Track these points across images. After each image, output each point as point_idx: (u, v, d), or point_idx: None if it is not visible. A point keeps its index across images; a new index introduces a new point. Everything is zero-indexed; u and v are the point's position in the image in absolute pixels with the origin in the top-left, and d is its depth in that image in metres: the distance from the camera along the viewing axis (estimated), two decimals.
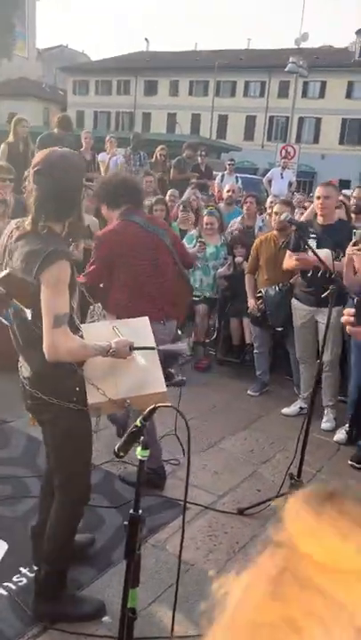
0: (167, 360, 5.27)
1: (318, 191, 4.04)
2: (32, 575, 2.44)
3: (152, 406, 1.44)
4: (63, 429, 2.14)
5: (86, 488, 2.29)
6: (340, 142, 32.88)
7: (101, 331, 2.26)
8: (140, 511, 1.44)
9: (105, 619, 2.31)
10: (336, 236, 3.83)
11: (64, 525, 2.27)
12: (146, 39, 57.85)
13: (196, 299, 5.34)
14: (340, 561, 0.26)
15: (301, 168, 18.79)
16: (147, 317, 2.36)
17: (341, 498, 0.31)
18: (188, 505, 3.16)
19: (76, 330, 2.10)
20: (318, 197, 3.97)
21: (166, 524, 2.97)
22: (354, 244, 3.24)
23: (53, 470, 2.27)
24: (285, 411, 4.49)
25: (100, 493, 3.19)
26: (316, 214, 4.16)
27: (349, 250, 3.40)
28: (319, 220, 4.02)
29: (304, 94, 31.50)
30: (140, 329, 2.32)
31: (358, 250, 3.28)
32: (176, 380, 4.98)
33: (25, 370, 2.14)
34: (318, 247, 3.64)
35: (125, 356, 2.06)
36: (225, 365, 5.44)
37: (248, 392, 4.84)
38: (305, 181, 25.56)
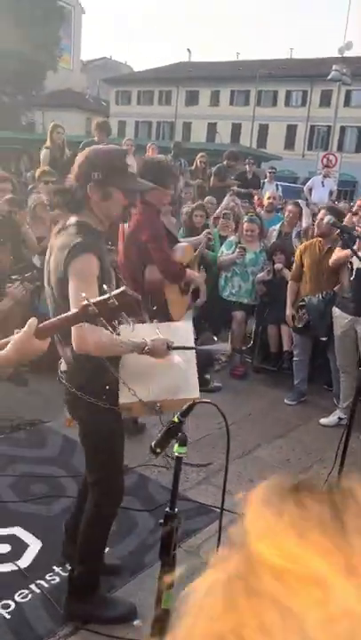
0: (203, 366, 5.26)
1: (359, 203, 3.98)
2: (65, 574, 2.44)
3: (191, 402, 1.42)
4: (92, 426, 2.15)
5: (119, 489, 2.28)
6: None
7: (145, 331, 2.25)
8: (176, 510, 1.42)
9: (136, 622, 2.29)
10: None
11: (96, 525, 2.26)
12: (188, 49, 58.44)
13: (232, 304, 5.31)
14: (293, 564, 0.25)
15: (343, 177, 18.52)
16: (190, 321, 2.34)
17: (306, 492, 0.29)
18: (217, 510, 3.13)
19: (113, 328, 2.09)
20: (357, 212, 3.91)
21: (200, 530, 2.93)
22: None
23: (87, 469, 2.27)
24: (323, 421, 4.39)
25: (134, 496, 3.18)
26: None
27: None
28: None
29: (347, 103, 31.12)
30: (181, 330, 2.31)
31: None
32: (212, 386, 4.97)
33: (62, 364, 2.16)
34: None
35: (163, 355, 2.02)
36: (261, 373, 5.37)
37: (285, 401, 4.76)
38: (346, 190, 25.25)
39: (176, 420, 1.38)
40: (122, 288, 1.55)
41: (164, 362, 2.08)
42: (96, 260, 1.95)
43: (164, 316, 3.37)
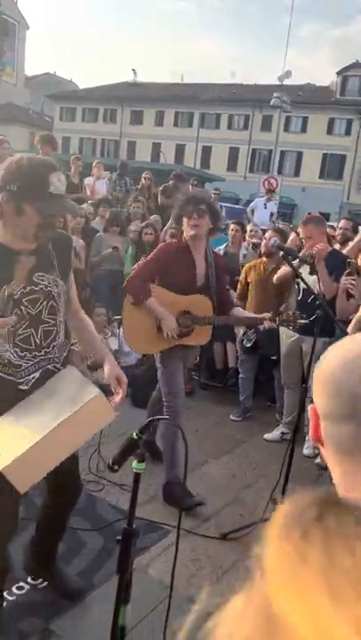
0: (152, 384, 5.26)
1: (301, 231, 4.13)
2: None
3: (150, 418, 1.44)
4: None
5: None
6: (320, 176, 33.72)
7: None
8: (134, 526, 1.44)
9: None
10: (330, 264, 3.88)
11: None
12: (133, 70, 59.10)
13: None
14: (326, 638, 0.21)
15: (283, 200, 19.18)
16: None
17: (332, 520, 0.25)
18: (170, 529, 3.14)
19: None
20: (303, 238, 4.06)
21: (148, 548, 2.93)
22: (348, 274, 3.32)
23: None
24: (268, 436, 4.50)
25: (81, 516, 3.14)
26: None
27: (344, 279, 3.48)
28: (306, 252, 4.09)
29: (286, 129, 32.35)
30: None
31: (353, 279, 3.37)
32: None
33: None
34: (311, 274, 3.72)
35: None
36: (208, 390, 5.45)
37: (231, 417, 4.85)
38: (285, 212, 26.12)
39: (135, 436, 1.40)
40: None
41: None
42: None
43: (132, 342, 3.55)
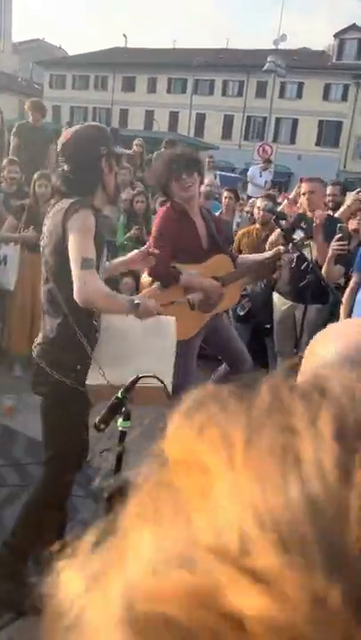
0: None
1: (304, 187, 4.04)
2: None
3: (134, 377, 1.42)
4: (55, 402, 2.11)
5: (69, 474, 2.22)
6: (317, 144, 33.28)
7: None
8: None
9: None
10: (325, 231, 3.83)
11: (41, 503, 2.21)
12: (124, 35, 57.76)
13: None
14: (188, 456, 0.25)
15: (278, 168, 18.93)
16: (174, 318, 2.24)
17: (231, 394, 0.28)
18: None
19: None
20: (304, 193, 3.97)
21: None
22: (339, 239, 3.27)
23: (44, 448, 2.23)
24: None
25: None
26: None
27: (334, 244, 3.43)
28: (308, 214, 3.98)
29: (281, 95, 31.77)
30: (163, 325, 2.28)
31: (343, 244, 3.32)
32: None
33: (39, 337, 2.16)
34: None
35: (151, 314, 2.03)
36: (200, 359, 5.44)
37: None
38: (280, 182, 25.83)
39: (120, 395, 1.39)
40: None
41: (137, 350, 2.07)
42: (93, 218, 1.99)
43: None
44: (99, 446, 3.20)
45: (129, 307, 1.99)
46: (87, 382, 2.00)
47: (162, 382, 1.55)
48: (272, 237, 4.21)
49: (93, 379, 1.99)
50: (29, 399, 4.07)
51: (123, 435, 1.40)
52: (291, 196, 5.83)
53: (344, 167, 32.21)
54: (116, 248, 5.84)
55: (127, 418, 1.38)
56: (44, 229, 2.17)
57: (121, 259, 2.67)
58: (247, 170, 11.53)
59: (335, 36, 33.96)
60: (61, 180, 2.11)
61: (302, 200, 4.08)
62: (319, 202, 4.01)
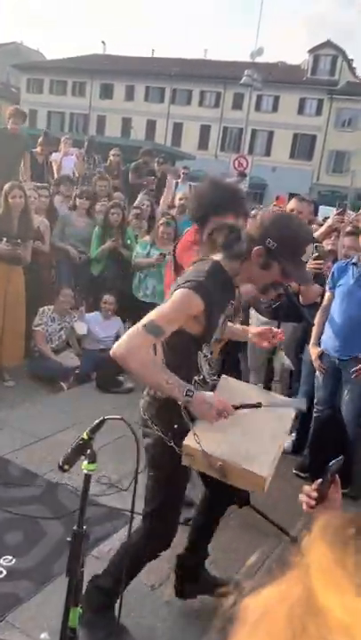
0: (116, 368, 5.18)
1: (292, 204, 4.05)
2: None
3: (101, 418, 1.39)
4: (155, 457, 2.09)
5: (169, 530, 2.20)
6: (291, 156, 33.74)
7: (242, 389, 2.15)
8: (85, 527, 1.39)
9: (43, 635, 2.22)
10: None
11: (132, 556, 2.13)
12: (103, 42, 57.69)
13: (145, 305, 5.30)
14: (355, 620, 0.29)
15: (253, 180, 19.12)
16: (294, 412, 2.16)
17: None
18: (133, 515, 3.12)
19: (203, 383, 2.05)
20: (292, 210, 3.98)
21: (110, 536, 2.91)
22: (316, 258, 3.30)
23: (145, 500, 2.20)
24: None
25: (43, 504, 3.09)
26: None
27: (310, 264, 3.46)
28: None
29: (258, 108, 32.14)
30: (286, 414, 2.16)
31: (319, 264, 3.35)
32: (125, 387, 4.95)
33: (144, 391, 2.15)
34: None
35: (205, 417, 1.84)
36: None
37: None
38: (256, 193, 26.07)
39: (85, 436, 1.35)
40: None
41: (252, 421, 1.96)
42: (201, 304, 1.88)
43: None
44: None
45: (176, 391, 1.79)
46: (184, 442, 1.88)
47: (123, 419, 1.50)
48: None
49: (190, 440, 1.86)
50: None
51: (87, 477, 1.35)
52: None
53: (317, 180, 32.75)
54: (88, 260, 5.78)
55: (93, 461, 1.34)
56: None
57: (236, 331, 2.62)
58: None
59: (310, 51, 34.56)
60: (230, 231, 2.02)
61: None
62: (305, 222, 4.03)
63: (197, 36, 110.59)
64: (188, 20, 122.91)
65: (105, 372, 4.98)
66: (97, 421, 1.39)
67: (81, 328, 5.31)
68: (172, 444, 1.98)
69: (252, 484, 1.84)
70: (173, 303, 1.86)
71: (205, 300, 1.87)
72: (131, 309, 5.47)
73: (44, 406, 4.52)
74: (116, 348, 1.77)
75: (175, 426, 1.97)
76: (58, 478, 3.37)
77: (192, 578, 2.53)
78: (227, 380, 2.21)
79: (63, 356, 5.14)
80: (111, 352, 1.79)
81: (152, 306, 5.67)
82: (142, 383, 1.94)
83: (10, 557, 2.63)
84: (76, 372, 5.08)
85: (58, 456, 3.60)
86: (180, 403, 1.82)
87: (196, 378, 2.04)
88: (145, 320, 1.81)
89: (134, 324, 5.34)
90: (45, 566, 2.63)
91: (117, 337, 5.32)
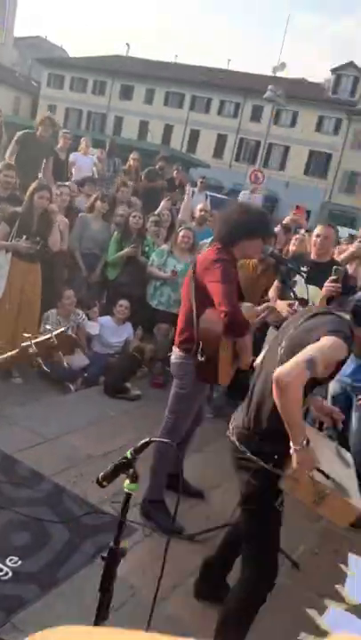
0: (124, 374, 5.20)
1: (319, 230, 4.01)
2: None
3: (146, 440, 1.40)
4: (256, 490, 2.11)
5: (272, 568, 2.17)
6: (305, 173, 33.82)
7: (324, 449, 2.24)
8: (121, 545, 1.40)
9: None
10: (326, 274, 3.86)
11: (241, 605, 2.14)
12: (127, 44, 57.99)
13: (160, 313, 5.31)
14: None
15: (265, 193, 19.20)
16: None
17: None
18: (137, 527, 3.13)
19: None
20: (318, 235, 3.95)
21: None
22: (333, 280, 3.31)
23: (243, 540, 2.21)
24: None
25: (49, 506, 3.10)
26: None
27: (327, 285, 3.47)
28: (313, 256, 3.98)
29: (276, 121, 32.24)
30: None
31: (336, 286, 3.35)
32: (131, 394, 4.95)
33: (237, 422, 2.23)
34: (307, 282, 3.67)
35: (299, 470, 1.91)
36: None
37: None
38: (267, 206, 26.15)
39: (128, 455, 1.37)
40: (61, 328, 1.56)
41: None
42: (344, 355, 1.95)
43: (210, 370, 2.99)
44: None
45: (299, 437, 1.88)
46: (287, 472, 1.97)
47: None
48: (271, 293, 4.22)
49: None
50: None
51: (128, 497, 1.37)
52: (284, 222, 5.93)
53: (330, 199, 32.81)
54: (105, 263, 5.80)
55: (134, 480, 1.36)
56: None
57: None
58: (235, 190, 11.65)
59: (333, 71, 34.71)
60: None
61: (313, 241, 4.06)
62: (329, 248, 4.03)
63: (223, 46, 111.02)
64: (216, 33, 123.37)
65: (113, 378, 5.00)
66: (142, 442, 1.40)
67: (93, 328, 5.32)
68: (277, 470, 2.03)
69: (341, 517, 1.92)
70: (332, 349, 1.88)
71: (347, 352, 1.94)
72: (143, 316, 5.49)
73: (52, 407, 4.53)
74: (283, 376, 1.81)
75: (276, 456, 2.04)
76: (64, 482, 3.38)
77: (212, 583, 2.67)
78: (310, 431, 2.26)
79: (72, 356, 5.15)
80: (275, 375, 1.82)
81: (166, 314, 5.70)
82: (283, 417, 1.91)
83: (16, 558, 2.63)
84: (85, 374, 5.08)
85: (64, 458, 3.64)
86: (293, 445, 1.88)
87: None
88: (307, 354, 1.83)
89: (145, 331, 5.35)
90: (51, 570, 2.63)
91: (126, 343, 5.39)
